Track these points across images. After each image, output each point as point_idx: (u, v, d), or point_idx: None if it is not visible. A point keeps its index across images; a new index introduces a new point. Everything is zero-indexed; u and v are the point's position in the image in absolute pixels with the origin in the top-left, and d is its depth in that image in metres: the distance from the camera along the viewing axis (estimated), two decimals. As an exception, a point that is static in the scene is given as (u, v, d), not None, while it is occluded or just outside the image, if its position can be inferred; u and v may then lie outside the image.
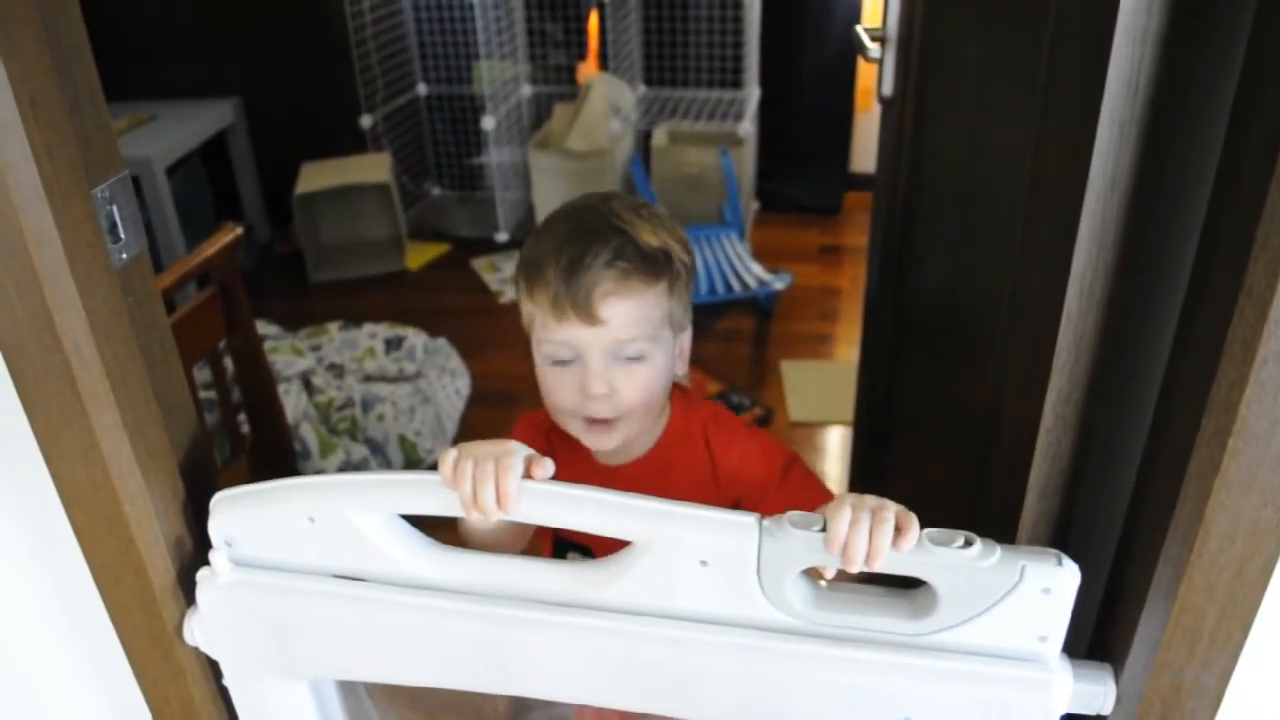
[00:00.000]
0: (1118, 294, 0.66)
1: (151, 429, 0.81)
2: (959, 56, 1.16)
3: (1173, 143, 0.62)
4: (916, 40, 1.34)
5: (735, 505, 0.90)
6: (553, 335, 0.87)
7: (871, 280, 1.72)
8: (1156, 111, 0.61)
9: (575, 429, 0.92)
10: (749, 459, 0.94)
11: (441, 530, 0.82)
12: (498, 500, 0.70)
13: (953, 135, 1.19)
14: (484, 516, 0.71)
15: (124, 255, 0.78)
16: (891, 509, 0.67)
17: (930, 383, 1.29)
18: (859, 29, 1.54)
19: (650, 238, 0.89)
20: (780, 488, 0.92)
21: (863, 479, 1.82)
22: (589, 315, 0.85)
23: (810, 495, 0.89)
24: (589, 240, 0.87)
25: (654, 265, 0.88)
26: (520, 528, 0.87)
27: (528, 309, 0.91)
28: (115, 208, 0.76)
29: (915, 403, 1.40)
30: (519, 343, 0.95)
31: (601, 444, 0.92)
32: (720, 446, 0.96)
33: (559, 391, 0.90)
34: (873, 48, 1.49)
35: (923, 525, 0.67)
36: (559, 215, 0.93)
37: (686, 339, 0.95)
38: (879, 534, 0.65)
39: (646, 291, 0.87)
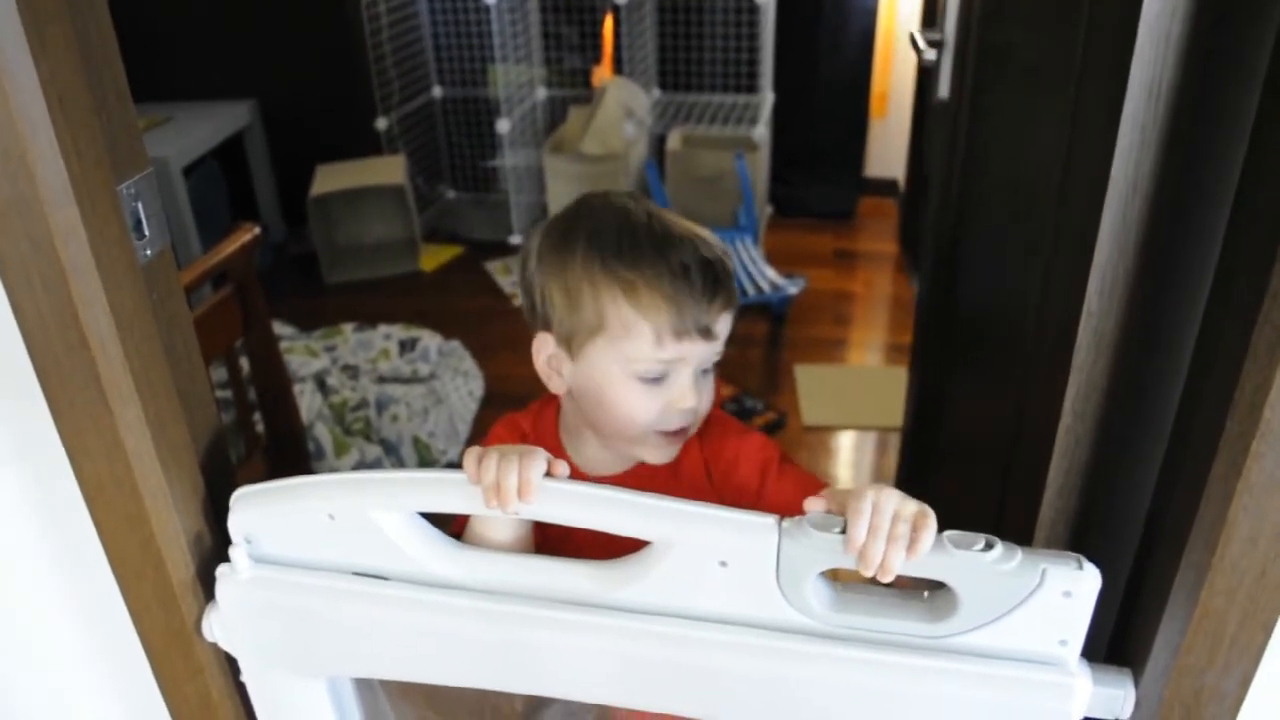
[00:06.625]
0: (1139, 295, 0.66)
1: (173, 425, 0.82)
2: (1010, 61, 1.16)
3: (1196, 146, 0.62)
4: (973, 46, 1.34)
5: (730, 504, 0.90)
6: (662, 353, 0.82)
7: (923, 287, 1.72)
8: (1179, 115, 0.61)
9: (642, 443, 0.87)
10: (744, 457, 0.91)
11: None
12: (520, 489, 0.70)
13: (1003, 140, 1.19)
14: (503, 507, 0.71)
15: (148, 252, 0.79)
16: (907, 519, 0.66)
17: (972, 389, 1.29)
18: (914, 33, 1.56)
19: (713, 242, 0.86)
20: (778, 479, 0.89)
21: (908, 487, 1.83)
22: (709, 333, 0.82)
23: (804, 484, 0.86)
24: (682, 248, 0.82)
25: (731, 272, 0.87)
26: (524, 544, 0.84)
27: (615, 317, 0.82)
28: (140, 205, 0.77)
29: (961, 409, 1.40)
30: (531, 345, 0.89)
31: (670, 455, 0.88)
32: (714, 445, 0.92)
33: (642, 408, 0.84)
34: (928, 52, 1.50)
35: (957, 529, 0.67)
36: (611, 220, 0.85)
37: None
38: (893, 550, 0.65)
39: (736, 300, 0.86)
